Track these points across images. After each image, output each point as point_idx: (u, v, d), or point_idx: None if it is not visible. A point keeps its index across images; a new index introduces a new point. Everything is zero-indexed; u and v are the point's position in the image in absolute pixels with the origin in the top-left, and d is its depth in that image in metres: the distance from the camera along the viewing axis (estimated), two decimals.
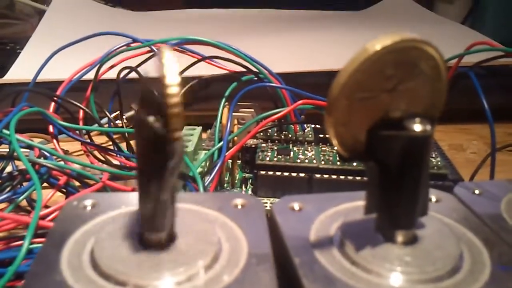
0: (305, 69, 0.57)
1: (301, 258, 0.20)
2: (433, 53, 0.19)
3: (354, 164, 0.34)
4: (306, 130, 0.40)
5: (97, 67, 0.39)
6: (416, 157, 0.19)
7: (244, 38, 0.62)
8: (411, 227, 0.21)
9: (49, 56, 0.40)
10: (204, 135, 0.41)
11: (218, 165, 0.33)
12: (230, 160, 0.37)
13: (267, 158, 0.36)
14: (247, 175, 0.38)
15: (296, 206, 0.24)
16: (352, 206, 0.24)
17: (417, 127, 0.19)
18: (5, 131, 0.32)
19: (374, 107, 0.19)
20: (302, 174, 0.35)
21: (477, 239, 0.22)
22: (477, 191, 0.26)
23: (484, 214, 0.24)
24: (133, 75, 0.40)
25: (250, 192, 0.36)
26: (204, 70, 0.41)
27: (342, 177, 0.35)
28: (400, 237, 0.21)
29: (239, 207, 0.24)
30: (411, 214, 0.20)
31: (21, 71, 0.57)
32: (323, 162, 0.35)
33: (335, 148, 0.20)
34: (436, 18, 0.83)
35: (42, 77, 0.41)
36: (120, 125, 0.42)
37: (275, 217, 0.23)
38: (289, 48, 0.66)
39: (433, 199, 0.25)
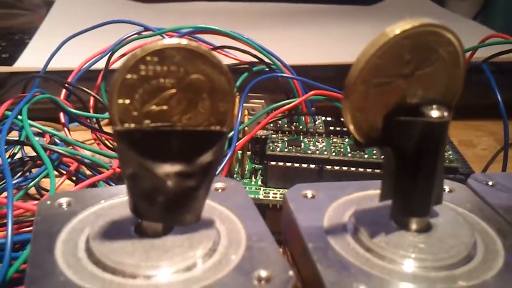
0: (316, 62, 0.57)
1: (315, 244, 0.20)
2: (452, 39, 0.19)
3: (365, 156, 0.34)
4: (317, 122, 0.40)
5: (108, 55, 0.38)
6: (433, 143, 0.19)
7: (254, 30, 0.62)
8: (425, 214, 0.21)
9: (61, 43, 0.40)
10: None
11: (228, 155, 0.33)
12: (240, 151, 0.37)
13: (278, 149, 0.35)
14: (257, 166, 0.38)
15: (309, 194, 0.24)
16: (364, 194, 0.24)
17: (434, 113, 0.19)
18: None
19: (391, 92, 0.19)
20: (312, 166, 0.35)
21: (490, 228, 0.22)
22: (490, 183, 0.26)
23: (498, 205, 0.24)
24: None
25: (259, 183, 0.36)
26: None
27: (352, 168, 0.34)
28: (414, 225, 0.21)
29: (220, 190, 0.24)
30: (426, 202, 0.20)
31: (30, 60, 0.57)
32: (334, 154, 0.35)
33: (351, 134, 0.20)
34: (447, 14, 0.83)
35: (53, 65, 0.41)
36: None
37: (288, 204, 0.23)
38: (300, 41, 0.66)
39: (447, 189, 0.25)
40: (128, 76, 0.18)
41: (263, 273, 0.18)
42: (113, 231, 0.20)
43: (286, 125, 0.39)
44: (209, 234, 0.20)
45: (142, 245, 0.20)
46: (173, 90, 0.18)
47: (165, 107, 0.18)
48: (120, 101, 0.18)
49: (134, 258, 0.19)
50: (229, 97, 0.19)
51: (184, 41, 0.18)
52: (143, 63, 0.18)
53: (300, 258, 0.21)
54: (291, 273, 0.18)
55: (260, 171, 0.37)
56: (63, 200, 0.23)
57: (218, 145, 0.19)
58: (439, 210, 0.22)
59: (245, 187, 0.35)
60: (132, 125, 0.18)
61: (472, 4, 0.88)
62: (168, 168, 0.19)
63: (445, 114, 0.19)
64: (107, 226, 0.20)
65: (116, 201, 0.23)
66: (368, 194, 0.24)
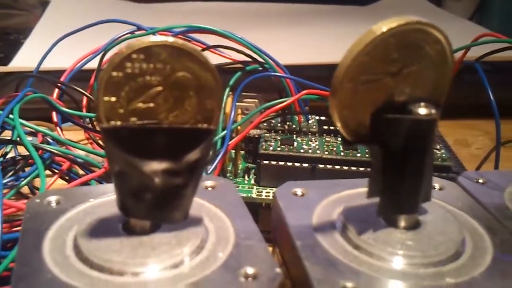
0: (310, 61, 0.57)
1: (303, 241, 0.20)
2: (439, 37, 0.19)
3: (358, 154, 0.34)
4: (310, 121, 0.40)
5: (101, 54, 0.38)
6: (421, 141, 0.19)
7: (249, 30, 0.62)
8: (414, 212, 0.21)
9: (54, 43, 0.40)
10: None
11: (221, 154, 0.33)
12: (233, 150, 0.37)
13: (271, 148, 0.35)
14: (250, 165, 0.38)
15: (299, 191, 0.24)
16: (354, 192, 0.24)
17: (422, 110, 0.19)
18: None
19: (378, 90, 0.19)
20: (305, 164, 0.35)
21: (479, 226, 0.22)
22: (480, 180, 0.26)
23: (487, 203, 0.24)
24: None
25: (253, 182, 0.36)
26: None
27: (345, 167, 0.34)
28: (402, 222, 0.21)
29: (210, 189, 0.24)
30: (414, 199, 0.20)
31: (24, 60, 0.56)
32: (326, 153, 0.35)
33: (339, 131, 0.20)
34: (442, 14, 0.83)
35: (47, 65, 0.41)
36: None
37: (277, 202, 0.23)
38: (294, 41, 0.66)
39: (437, 187, 0.25)
40: (114, 73, 0.18)
41: (250, 270, 0.18)
42: (101, 229, 0.20)
43: (279, 124, 0.39)
44: (197, 231, 0.20)
45: (129, 242, 0.20)
46: (160, 88, 0.18)
47: (151, 105, 0.18)
48: (106, 98, 0.18)
49: (122, 255, 0.19)
50: (216, 94, 0.19)
51: (170, 39, 0.18)
52: (129, 60, 0.18)
53: (289, 256, 0.21)
54: (278, 270, 0.18)
55: (253, 170, 0.37)
56: (52, 198, 0.23)
57: (205, 143, 0.19)
58: (428, 208, 0.22)
59: (238, 186, 0.35)
60: (118, 123, 0.18)
61: (468, 4, 0.88)
62: (155, 166, 0.19)
63: (433, 111, 0.19)
64: (95, 223, 0.20)
65: (105, 199, 0.23)
66: (358, 192, 0.24)
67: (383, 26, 0.18)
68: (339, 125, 0.20)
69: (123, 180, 0.19)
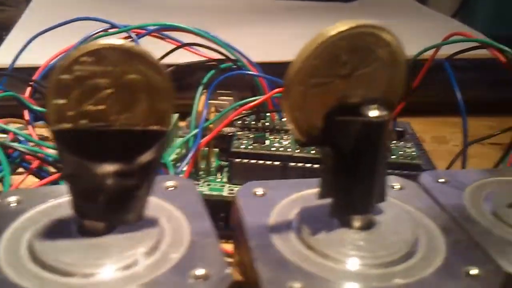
0: (290, 59, 0.57)
1: (256, 241, 0.21)
2: (390, 39, 0.19)
3: None
4: (283, 119, 0.40)
5: None
6: (372, 142, 0.20)
7: (228, 27, 0.62)
8: (367, 212, 0.21)
9: (28, 41, 0.40)
10: (183, 123, 0.41)
11: (192, 151, 0.33)
12: (207, 148, 0.37)
13: (242, 146, 0.36)
14: (223, 163, 0.38)
15: (260, 191, 0.24)
16: (315, 192, 0.24)
17: (373, 112, 0.19)
18: None
19: (329, 93, 0.20)
20: (276, 162, 0.35)
21: (435, 226, 0.22)
22: (442, 180, 0.26)
23: (446, 202, 0.24)
24: None
25: (225, 179, 0.36)
26: (183, 57, 0.41)
27: (316, 165, 0.35)
28: (356, 222, 0.21)
29: (171, 188, 0.24)
30: (367, 200, 0.21)
31: (4, 57, 0.56)
32: (297, 151, 0.35)
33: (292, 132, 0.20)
34: (426, 11, 0.83)
35: (26, 62, 0.41)
36: None
37: (237, 202, 0.23)
38: (274, 39, 0.66)
39: (397, 186, 0.25)
40: (63, 76, 0.18)
41: (201, 272, 0.18)
42: (55, 230, 0.20)
43: (253, 122, 0.39)
44: (151, 232, 0.20)
45: (83, 244, 0.20)
46: (110, 90, 0.18)
47: (102, 107, 0.18)
48: (56, 101, 0.18)
49: (74, 256, 0.19)
50: (167, 96, 0.19)
51: (119, 41, 0.18)
52: (78, 63, 0.18)
53: (244, 256, 0.22)
54: (228, 271, 0.19)
55: (226, 168, 0.37)
56: (12, 198, 0.23)
57: (157, 144, 0.19)
58: (385, 208, 0.22)
59: (210, 184, 0.35)
60: (68, 125, 0.18)
61: (452, 1, 0.88)
62: (107, 168, 0.19)
63: (384, 113, 0.19)
64: (50, 224, 0.21)
65: (65, 200, 0.23)
66: None
67: (332, 30, 0.18)
68: (291, 127, 0.20)
69: (75, 182, 0.19)
